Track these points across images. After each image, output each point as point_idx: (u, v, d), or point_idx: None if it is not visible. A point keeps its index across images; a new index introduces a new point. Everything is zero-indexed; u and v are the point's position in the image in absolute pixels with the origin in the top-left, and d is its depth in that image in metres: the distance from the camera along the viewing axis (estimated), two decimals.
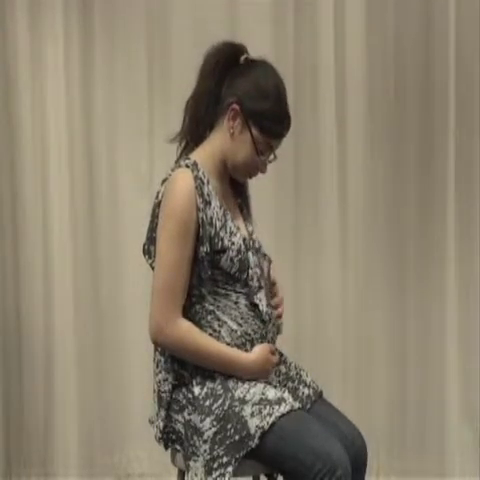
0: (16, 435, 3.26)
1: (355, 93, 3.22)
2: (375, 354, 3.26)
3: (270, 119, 1.95)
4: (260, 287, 1.97)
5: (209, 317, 1.92)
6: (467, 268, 3.24)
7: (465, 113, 3.21)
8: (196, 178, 1.89)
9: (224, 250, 1.89)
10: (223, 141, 1.98)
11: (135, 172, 3.23)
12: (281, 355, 2.10)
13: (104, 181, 3.25)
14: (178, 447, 1.95)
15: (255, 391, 1.87)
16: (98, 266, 3.25)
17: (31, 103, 3.20)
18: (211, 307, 1.92)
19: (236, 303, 1.93)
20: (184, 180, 1.89)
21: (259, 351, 1.94)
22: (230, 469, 1.81)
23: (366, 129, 3.24)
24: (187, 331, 1.89)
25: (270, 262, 2.07)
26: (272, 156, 2.02)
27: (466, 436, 3.25)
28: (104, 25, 3.21)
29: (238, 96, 1.94)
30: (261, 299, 1.96)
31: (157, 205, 1.95)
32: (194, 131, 2.01)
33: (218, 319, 1.92)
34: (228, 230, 1.92)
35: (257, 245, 2.05)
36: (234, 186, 2.10)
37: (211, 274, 1.90)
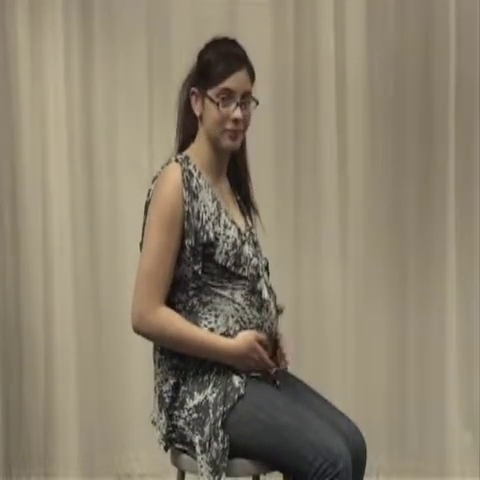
0: (16, 435, 3.25)
1: (355, 93, 3.22)
2: (375, 354, 3.26)
3: (212, 65, 1.98)
4: (259, 276, 1.99)
5: (205, 309, 1.94)
6: (467, 268, 3.24)
7: (465, 113, 3.21)
8: (184, 171, 1.93)
9: (211, 243, 1.90)
10: (202, 127, 2.02)
11: (135, 171, 3.22)
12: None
13: (104, 180, 3.24)
14: (181, 446, 1.95)
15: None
16: (98, 266, 3.24)
17: (31, 103, 3.19)
18: (208, 298, 1.93)
19: (232, 295, 1.94)
20: (171, 174, 1.93)
21: (243, 337, 1.93)
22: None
23: (366, 129, 3.24)
24: (168, 318, 1.91)
25: (267, 264, 2.07)
26: (253, 104, 2.01)
27: (466, 436, 3.25)
28: (104, 25, 3.21)
29: (191, 82, 2.04)
30: (263, 288, 1.98)
31: (148, 203, 1.99)
32: (184, 136, 2.08)
33: (215, 309, 1.93)
34: (222, 223, 1.94)
35: (255, 239, 2.07)
36: (233, 184, 2.12)
37: (205, 268, 1.92)
